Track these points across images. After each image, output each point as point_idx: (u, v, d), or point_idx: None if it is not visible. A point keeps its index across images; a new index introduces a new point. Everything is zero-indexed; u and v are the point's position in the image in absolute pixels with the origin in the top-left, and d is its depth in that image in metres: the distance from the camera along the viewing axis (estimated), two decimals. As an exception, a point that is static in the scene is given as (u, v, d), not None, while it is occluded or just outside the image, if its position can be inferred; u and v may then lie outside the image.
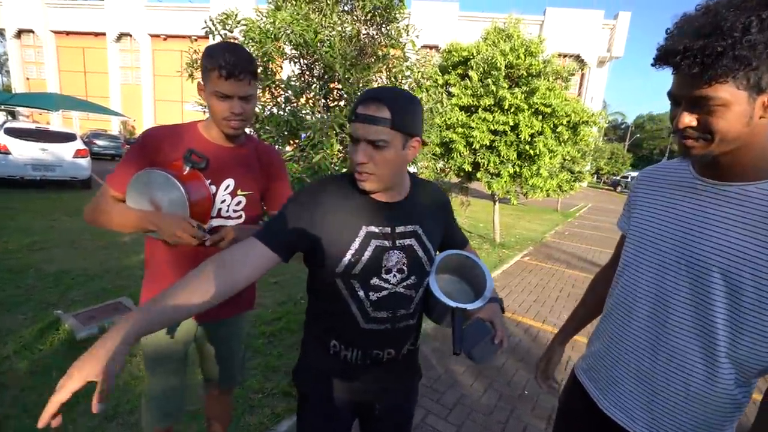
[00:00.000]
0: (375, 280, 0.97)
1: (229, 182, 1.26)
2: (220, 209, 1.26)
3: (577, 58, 26.18)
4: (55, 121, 22.93)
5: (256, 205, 1.37)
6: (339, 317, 1.00)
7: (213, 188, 1.22)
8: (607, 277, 1.14)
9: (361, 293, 0.97)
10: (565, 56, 24.81)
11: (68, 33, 30.01)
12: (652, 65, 0.77)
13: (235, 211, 1.30)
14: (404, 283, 1.00)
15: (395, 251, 0.98)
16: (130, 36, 29.71)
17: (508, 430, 2.27)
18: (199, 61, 2.78)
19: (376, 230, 0.97)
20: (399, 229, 1.00)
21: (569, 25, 26.01)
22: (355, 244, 0.95)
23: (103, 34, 29.47)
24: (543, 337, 3.49)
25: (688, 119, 0.74)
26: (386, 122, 0.88)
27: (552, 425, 2.31)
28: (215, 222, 1.26)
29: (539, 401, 2.55)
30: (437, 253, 1.11)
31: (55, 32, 30.16)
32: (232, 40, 2.87)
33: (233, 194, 1.28)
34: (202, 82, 1.18)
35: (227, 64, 1.09)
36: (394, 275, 0.99)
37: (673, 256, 0.86)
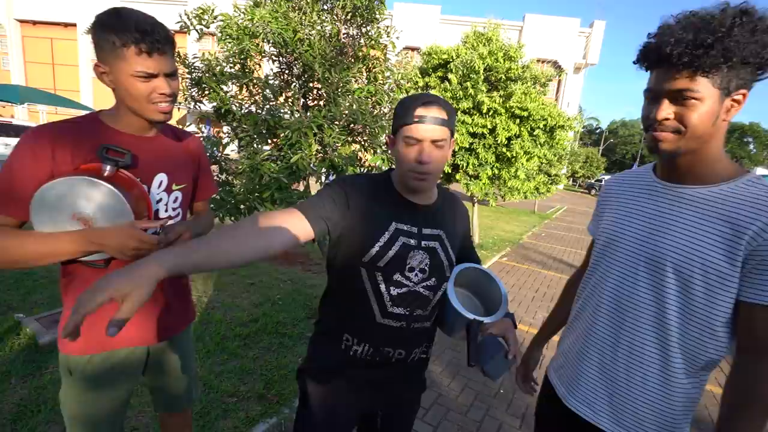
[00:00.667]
0: (398, 276, 0.99)
1: (162, 178, 1.08)
2: (157, 210, 1.09)
3: (555, 64, 26.89)
4: (20, 115, 21.83)
5: (189, 199, 1.23)
6: (356, 308, 1.01)
7: (145, 188, 1.03)
8: (578, 283, 1.18)
9: (383, 286, 0.98)
10: (543, 62, 25.45)
11: (35, 23, 28.62)
12: (636, 62, 0.83)
13: (173, 209, 1.14)
14: (424, 284, 1.02)
15: (420, 251, 1.01)
16: (103, 28, 28.59)
17: (484, 428, 2.30)
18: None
19: (405, 228, 1.00)
20: (425, 231, 1.03)
21: (547, 32, 26.67)
22: (384, 237, 0.98)
23: (74, 24, 28.26)
24: (519, 337, 3.55)
25: (666, 112, 0.80)
26: (446, 122, 0.94)
27: (525, 422, 2.37)
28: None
29: (514, 400, 2.60)
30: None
31: (21, 21, 28.71)
32: (208, 36, 2.81)
33: (168, 190, 1.11)
34: (102, 64, 0.93)
35: (146, 36, 0.89)
36: (416, 274, 1.01)
37: (633, 253, 0.92)
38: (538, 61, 7.37)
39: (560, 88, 28.56)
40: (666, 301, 0.85)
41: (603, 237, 1.01)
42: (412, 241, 1.00)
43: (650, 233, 0.89)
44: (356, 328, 1.02)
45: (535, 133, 6.17)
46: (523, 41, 6.81)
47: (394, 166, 1.09)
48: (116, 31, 0.89)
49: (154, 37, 0.91)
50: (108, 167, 0.93)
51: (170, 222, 1.12)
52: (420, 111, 0.92)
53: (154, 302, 1.13)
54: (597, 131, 51.82)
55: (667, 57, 0.76)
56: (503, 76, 6.16)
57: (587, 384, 0.99)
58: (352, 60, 2.92)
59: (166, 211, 1.12)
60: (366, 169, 3.09)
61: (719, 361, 0.86)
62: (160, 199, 1.09)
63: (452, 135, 0.98)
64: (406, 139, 0.94)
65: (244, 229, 0.83)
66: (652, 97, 0.83)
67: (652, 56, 0.80)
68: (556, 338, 1.25)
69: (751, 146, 47.72)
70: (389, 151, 1.13)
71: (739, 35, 0.71)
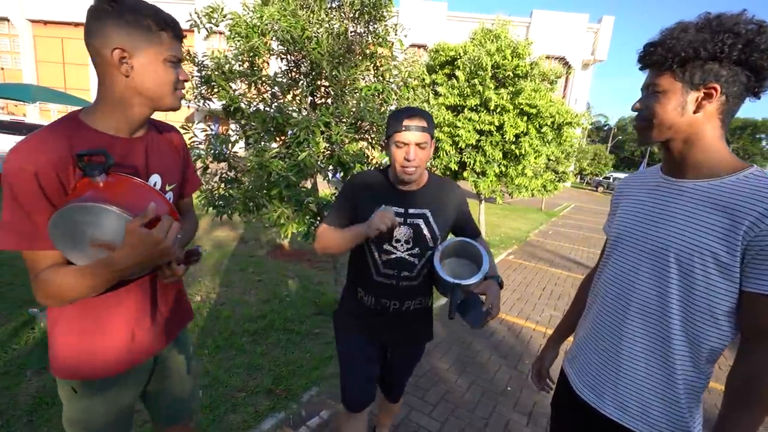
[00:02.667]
0: (387, 246, 1.34)
1: (156, 179, 1.03)
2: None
3: (563, 61, 26.61)
4: (31, 114, 22.16)
5: (178, 196, 1.17)
6: (361, 269, 1.42)
7: (139, 180, 0.95)
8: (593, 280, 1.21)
9: (376, 254, 1.35)
10: (551, 58, 25.18)
11: (46, 22, 28.98)
12: (639, 66, 0.94)
13: None
14: (409, 252, 1.34)
15: (405, 226, 1.33)
16: (112, 27, 28.87)
17: (491, 425, 2.30)
18: (185, 54, 2.73)
19: (394, 208, 1.30)
20: (411, 211, 1.34)
21: (555, 28, 26.37)
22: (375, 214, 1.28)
23: (83, 24, 28.59)
24: (526, 334, 3.55)
25: (638, 103, 0.94)
26: (426, 129, 1.26)
27: (533, 420, 2.37)
28: None
29: (521, 397, 2.60)
30: (447, 236, 1.42)
31: (32, 21, 29.10)
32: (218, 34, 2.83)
33: (162, 191, 1.06)
34: (126, 49, 0.85)
35: (175, 23, 0.91)
36: (402, 245, 1.34)
37: (639, 246, 0.95)
38: (546, 57, 7.31)
39: (568, 84, 28.25)
40: (668, 290, 0.87)
41: (613, 233, 1.05)
42: (399, 219, 1.30)
43: (653, 225, 0.93)
44: (362, 283, 1.42)
45: (543, 131, 6.13)
46: (531, 37, 6.75)
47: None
48: (149, 15, 0.87)
49: (178, 25, 0.93)
50: (98, 177, 0.81)
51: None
52: (406, 122, 1.22)
53: (151, 312, 1.07)
54: (605, 128, 51.23)
55: (648, 59, 0.90)
56: (511, 73, 6.12)
57: (595, 373, 1.02)
58: (360, 58, 2.92)
59: None
60: (373, 166, 3.10)
61: (722, 350, 0.87)
62: None
63: (432, 138, 1.29)
64: (396, 143, 1.25)
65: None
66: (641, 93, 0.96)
67: (642, 59, 0.93)
68: (572, 338, 1.26)
69: (764, 143, 46.86)
70: (385, 153, 1.37)
71: (687, 36, 0.82)
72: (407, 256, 1.34)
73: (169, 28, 0.90)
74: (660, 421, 0.92)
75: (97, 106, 0.92)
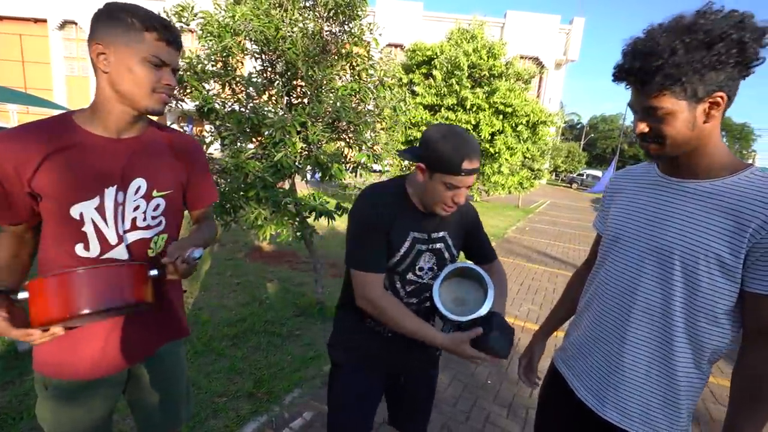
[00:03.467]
0: (410, 275, 1.21)
1: (140, 183, 1.00)
2: (135, 218, 1.00)
3: (536, 60, 27.25)
4: (-11, 115, 20.97)
5: (177, 208, 1.12)
6: None
7: (120, 194, 0.97)
8: (582, 278, 1.21)
9: (398, 284, 1.22)
10: (525, 58, 25.74)
11: (2, 18, 27.48)
12: (613, 81, 0.89)
13: (153, 217, 1.04)
14: (431, 276, 1.24)
15: (428, 253, 1.22)
16: (76, 24, 27.60)
17: (472, 418, 2.35)
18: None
19: (418, 235, 1.20)
20: (433, 235, 1.23)
21: (528, 29, 26.98)
22: (404, 247, 1.17)
23: (44, 20, 27.22)
24: (504, 329, 3.64)
25: (642, 126, 0.87)
26: (479, 169, 1.11)
27: (512, 412, 2.44)
28: (131, 236, 1.00)
29: (501, 390, 2.67)
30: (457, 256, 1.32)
31: (-12, 17, 27.52)
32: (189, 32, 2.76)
33: (148, 197, 1.02)
34: (104, 44, 0.88)
35: (167, 27, 0.92)
36: (426, 272, 1.23)
37: (640, 246, 0.94)
38: (520, 57, 7.48)
39: (542, 84, 28.96)
40: (672, 292, 0.87)
41: (610, 232, 1.04)
42: (423, 246, 1.21)
43: (655, 226, 0.92)
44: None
45: (518, 129, 6.28)
46: (505, 38, 6.92)
47: (397, 172, 1.24)
48: (137, 15, 0.89)
49: (174, 32, 0.94)
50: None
51: (148, 235, 1.04)
52: (466, 165, 1.06)
53: (124, 327, 1.04)
54: (578, 126, 52.83)
55: (627, 82, 0.86)
56: (487, 73, 6.25)
57: (597, 377, 1.01)
58: (335, 57, 2.92)
59: (144, 219, 1.03)
60: (351, 165, 3.10)
61: (723, 349, 0.88)
62: (138, 207, 1.01)
63: None
64: (447, 184, 1.08)
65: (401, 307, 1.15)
66: (633, 111, 0.89)
67: (620, 77, 0.87)
68: (560, 333, 1.28)
69: (724, 139, 49.40)
70: (417, 177, 1.16)
71: (678, 58, 0.76)
72: (429, 281, 1.24)
73: (155, 29, 0.90)
74: (660, 423, 0.93)
75: (90, 105, 0.96)
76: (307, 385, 2.43)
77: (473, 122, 6.11)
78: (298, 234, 2.95)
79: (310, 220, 3.04)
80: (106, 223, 0.96)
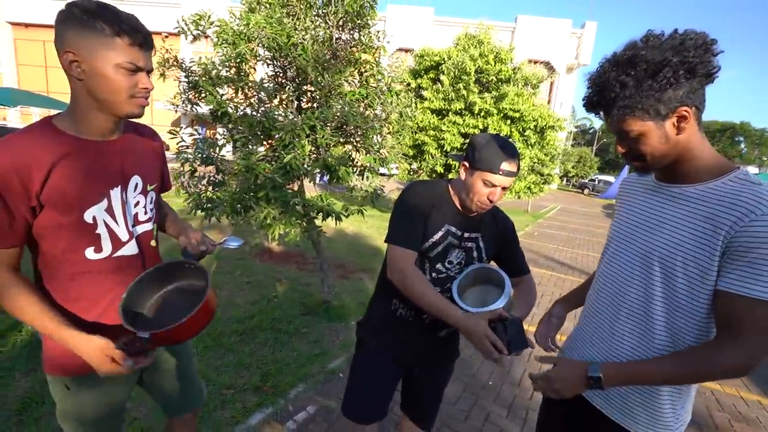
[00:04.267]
0: (439, 265, 1.33)
1: (137, 180, 1.05)
2: (137, 214, 1.06)
3: (547, 65, 27.14)
4: (12, 118, 21.70)
5: (158, 197, 1.17)
6: None
7: (123, 193, 1.02)
8: None
9: (427, 270, 1.33)
10: (536, 62, 25.69)
11: (27, 25, 28.45)
12: (585, 110, 0.98)
13: (150, 210, 1.10)
14: (457, 270, 1.36)
15: (458, 249, 1.34)
16: (96, 30, 28.47)
17: (472, 417, 2.40)
18: (172, 60, 2.79)
19: (453, 230, 1.31)
20: (466, 235, 1.34)
21: (539, 33, 26.93)
22: (438, 234, 1.30)
23: (66, 27, 28.10)
24: (508, 331, 3.67)
25: (620, 148, 0.94)
26: (516, 173, 1.24)
27: (512, 413, 2.47)
28: (138, 230, 1.06)
29: (502, 391, 2.70)
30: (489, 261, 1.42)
31: (13, 24, 28.54)
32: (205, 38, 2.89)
33: (144, 192, 1.07)
34: (75, 51, 0.85)
35: (138, 30, 0.89)
36: (455, 266, 1.35)
37: (629, 248, 1.00)
38: (530, 62, 7.51)
39: (553, 88, 28.82)
40: (653, 292, 0.92)
41: (611, 234, 1.11)
42: (455, 241, 1.32)
43: (643, 229, 0.97)
44: (403, 296, 1.28)
45: (526, 134, 6.31)
46: (516, 42, 6.98)
47: (448, 178, 1.39)
48: (106, 20, 0.85)
49: (144, 33, 0.90)
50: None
51: (147, 228, 1.10)
52: (505, 165, 1.18)
53: None
54: (590, 131, 52.31)
55: (594, 112, 0.94)
56: (494, 78, 6.30)
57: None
58: (344, 64, 3.01)
59: (145, 213, 1.08)
60: (359, 169, 3.18)
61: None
62: (138, 203, 1.06)
63: None
64: (486, 182, 1.20)
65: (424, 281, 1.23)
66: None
67: (588, 108, 0.96)
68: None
69: (742, 145, 48.35)
70: (461, 175, 1.30)
71: (629, 90, 0.83)
72: (456, 276, 1.35)
73: (125, 34, 0.86)
74: (639, 414, 0.97)
75: (67, 110, 0.94)
76: (312, 380, 2.51)
77: (481, 127, 6.15)
78: (306, 233, 3.04)
79: (317, 221, 3.13)
80: (117, 222, 1.00)
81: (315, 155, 2.89)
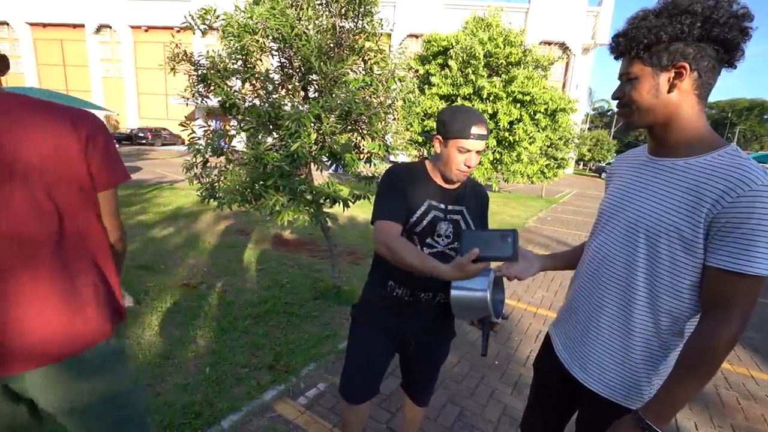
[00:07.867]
0: (429, 240, 1.36)
1: None
2: None
3: (562, 46, 26.36)
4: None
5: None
6: None
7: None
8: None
9: (418, 247, 1.34)
10: (550, 44, 24.96)
11: (45, 25, 29.16)
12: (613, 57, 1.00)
13: None
14: (449, 247, 1.38)
15: (446, 222, 1.37)
16: (110, 27, 28.99)
17: (477, 394, 2.47)
18: (182, 54, 2.88)
19: (435, 204, 1.36)
20: (450, 207, 1.38)
21: (554, 13, 26.09)
22: (421, 210, 1.34)
23: (82, 25, 28.70)
24: (517, 314, 3.71)
25: (616, 91, 0.98)
26: (487, 136, 1.30)
27: (517, 390, 2.54)
28: None
29: (508, 369, 2.77)
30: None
31: (31, 24, 29.30)
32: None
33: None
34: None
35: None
36: (443, 239, 1.37)
37: (615, 221, 1.02)
38: (545, 43, 7.35)
39: (568, 69, 28.01)
40: (636, 264, 0.93)
41: (601, 209, 1.12)
42: (441, 214, 1.36)
43: (629, 201, 0.99)
44: (397, 275, 1.36)
45: (536, 117, 6.23)
46: (530, 24, 6.87)
47: (423, 155, 1.34)
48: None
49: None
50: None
51: None
52: (475, 130, 1.24)
53: None
54: (608, 113, 50.74)
55: (615, 53, 0.97)
56: (504, 61, 6.21)
57: (572, 336, 1.11)
58: (348, 52, 3.05)
59: None
60: (365, 156, 3.24)
61: (684, 321, 0.92)
62: None
63: None
64: (460, 148, 1.26)
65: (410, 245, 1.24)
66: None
67: (611, 50, 0.98)
68: (549, 313, 1.36)
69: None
70: (437, 149, 1.36)
71: (647, 23, 0.87)
72: (447, 251, 1.38)
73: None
74: (616, 385, 0.99)
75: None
76: (322, 360, 2.62)
77: (491, 111, 6.10)
78: (314, 219, 3.13)
79: (325, 207, 3.21)
80: None
81: (321, 143, 2.95)
